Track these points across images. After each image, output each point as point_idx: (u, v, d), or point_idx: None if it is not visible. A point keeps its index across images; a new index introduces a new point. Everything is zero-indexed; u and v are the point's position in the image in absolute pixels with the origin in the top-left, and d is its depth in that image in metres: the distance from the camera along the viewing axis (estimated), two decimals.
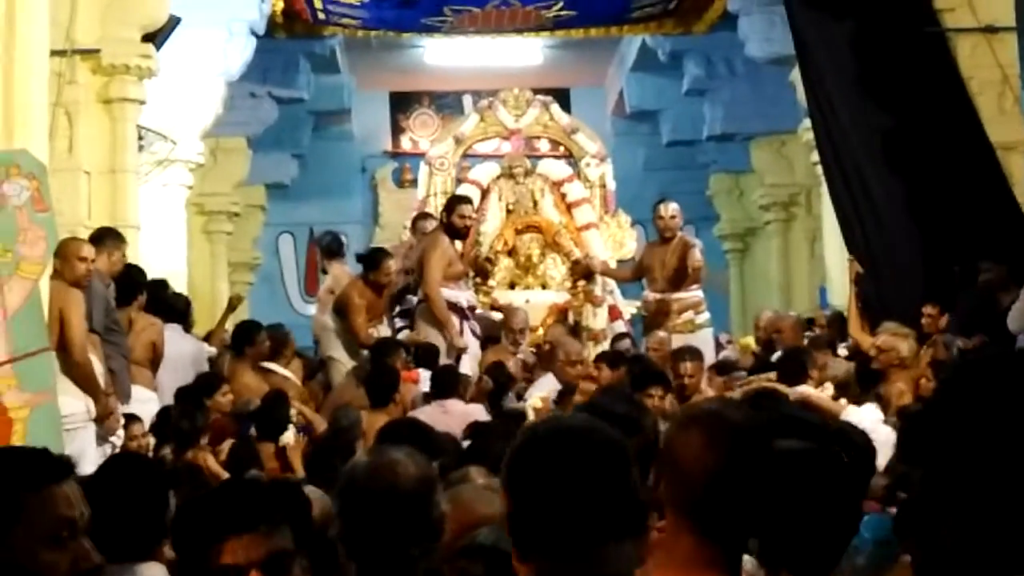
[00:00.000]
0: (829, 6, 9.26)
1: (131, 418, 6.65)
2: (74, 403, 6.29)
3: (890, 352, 7.06)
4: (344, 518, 2.82)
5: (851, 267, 8.97)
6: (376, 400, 7.11)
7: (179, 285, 10.51)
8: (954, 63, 9.16)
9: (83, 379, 6.40)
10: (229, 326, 9.73)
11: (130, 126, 9.12)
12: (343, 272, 9.74)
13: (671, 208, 9.99)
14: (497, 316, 10.33)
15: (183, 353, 8.08)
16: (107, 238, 7.40)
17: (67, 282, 6.37)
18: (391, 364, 7.70)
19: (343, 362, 8.76)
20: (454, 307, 9.30)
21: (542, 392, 7.60)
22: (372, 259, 9.07)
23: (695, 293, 10.00)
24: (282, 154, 16.39)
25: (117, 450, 6.59)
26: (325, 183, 17.72)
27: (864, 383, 7.05)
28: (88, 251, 6.62)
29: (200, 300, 12.76)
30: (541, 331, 10.28)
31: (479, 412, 6.94)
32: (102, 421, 6.48)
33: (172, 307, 8.47)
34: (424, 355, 8.55)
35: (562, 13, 12.36)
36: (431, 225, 10.09)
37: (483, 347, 9.57)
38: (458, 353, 8.98)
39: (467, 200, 9.92)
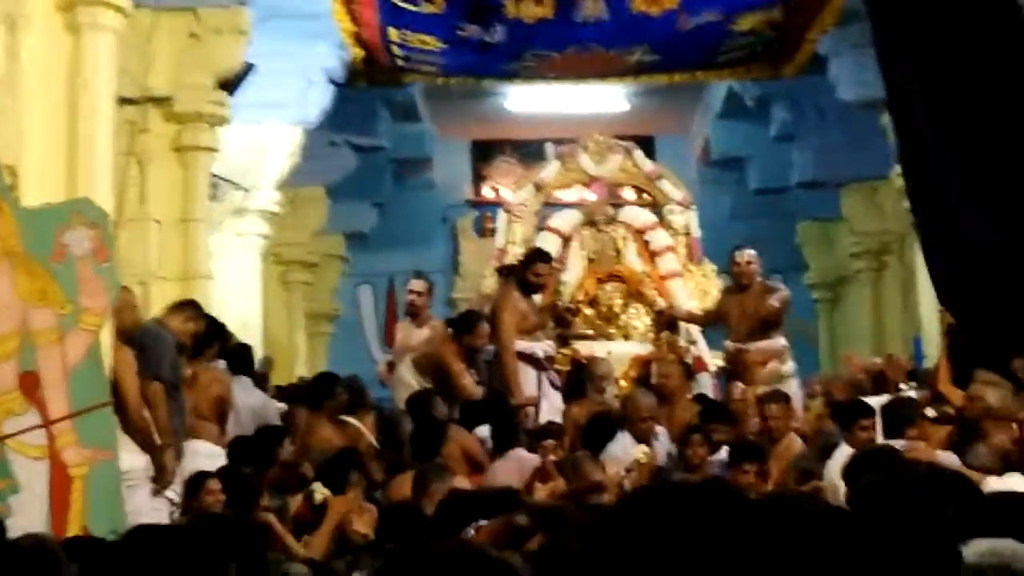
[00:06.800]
0: (924, 57, 8.82)
1: (207, 475, 6.45)
2: (134, 459, 6.13)
3: (977, 401, 6.69)
4: None
5: (943, 319, 8.59)
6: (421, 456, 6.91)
7: (255, 336, 10.38)
8: None
9: (140, 438, 6.22)
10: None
11: (202, 175, 9.05)
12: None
13: (747, 255, 9.82)
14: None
15: (248, 407, 7.88)
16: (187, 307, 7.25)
17: (116, 334, 6.17)
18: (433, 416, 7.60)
19: None
20: (529, 359, 9.07)
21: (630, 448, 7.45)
22: (467, 322, 8.95)
23: (776, 341, 9.65)
24: (361, 203, 16.27)
25: (175, 505, 6.42)
26: (405, 232, 17.53)
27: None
28: (132, 298, 6.51)
29: (277, 351, 12.65)
30: (624, 383, 9.93)
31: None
32: (159, 477, 6.31)
33: (241, 359, 8.29)
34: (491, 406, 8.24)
35: (645, 58, 12.10)
36: None
37: (565, 399, 9.23)
38: (523, 409, 8.65)
39: (546, 257, 9.65)
